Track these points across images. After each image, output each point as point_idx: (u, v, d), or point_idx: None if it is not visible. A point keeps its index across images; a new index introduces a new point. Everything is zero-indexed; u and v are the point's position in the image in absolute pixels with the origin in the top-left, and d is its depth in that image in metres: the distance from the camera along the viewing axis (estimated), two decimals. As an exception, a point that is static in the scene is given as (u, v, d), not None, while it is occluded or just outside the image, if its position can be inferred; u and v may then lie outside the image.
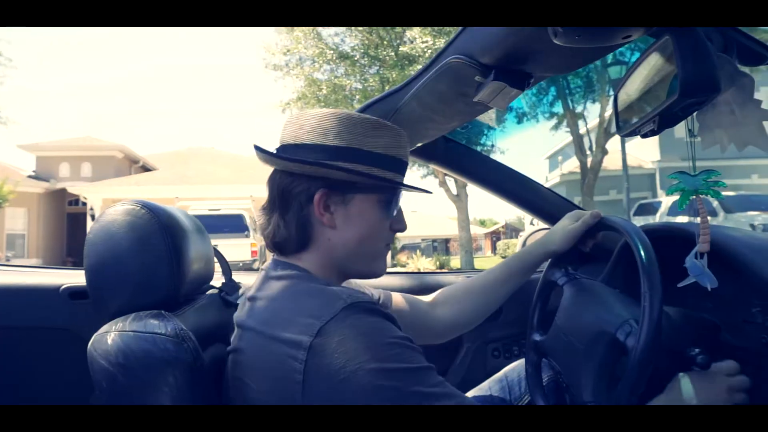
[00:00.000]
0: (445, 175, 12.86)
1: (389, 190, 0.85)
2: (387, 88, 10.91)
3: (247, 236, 10.86)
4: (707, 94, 0.56)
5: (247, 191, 13.03)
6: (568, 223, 1.13)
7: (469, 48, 0.77)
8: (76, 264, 18.22)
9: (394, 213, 0.88)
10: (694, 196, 0.70)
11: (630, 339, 0.85)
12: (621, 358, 0.88)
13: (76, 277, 1.26)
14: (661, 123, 0.64)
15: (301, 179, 0.81)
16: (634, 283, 0.87)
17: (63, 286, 1.21)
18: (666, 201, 13.29)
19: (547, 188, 1.40)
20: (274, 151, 0.83)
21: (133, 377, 0.70)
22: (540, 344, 1.12)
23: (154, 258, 0.83)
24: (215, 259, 1.16)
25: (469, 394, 1.22)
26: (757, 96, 0.60)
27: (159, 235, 0.84)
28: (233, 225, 10.51)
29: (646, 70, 0.66)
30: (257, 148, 0.83)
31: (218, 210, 11.13)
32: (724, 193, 11.54)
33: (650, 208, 13.63)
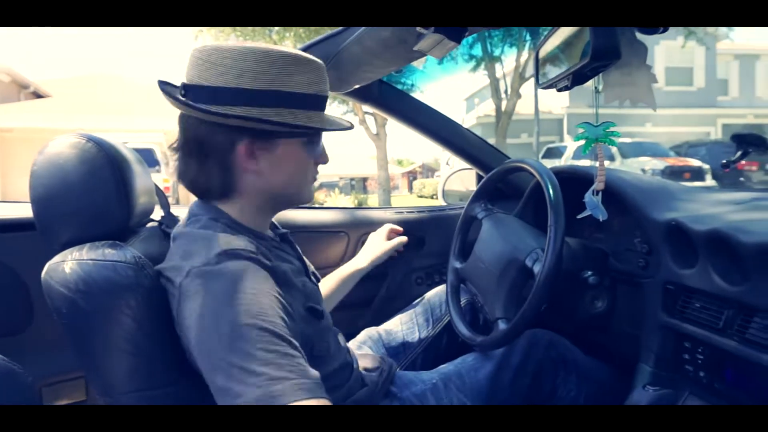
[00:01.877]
0: (365, 113, 12.82)
1: (314, 131, 0.85)
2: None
3: (158, 171, 10.37)
4: (611, 59, 0.68)
5: (158, 124, 12.31)
6: (374, 245, 1.40)
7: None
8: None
9: (318, 151, 0.89)
10: (595, 143, 0.83)
11: (536, 265, 1.00)
12: (528, 281, 1.04)
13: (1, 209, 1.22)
14: (573, 80, 0.75)
15: (222, 129, 0.78)
16: (542, 217, 1.01)
17: None
18: (571, 146, 14.19)
19: (471, 132, 1.52)
20: (180, 87, 0.79)
21: (95, 303, 0.74)
22: (459, 271, 1.26)
23: (104, 190, 0.85)
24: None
25: (395, 318, 1.35)
26: (649, 60, 0.73)
27: (108, 169, 0.86)
28: (143, 159, 10.00)
29: (564, 34, 0.77)
30: (166, 92, 0.80)
31: (126, 143, 10.47)
32: (621, 141, 12.47)
33: (557, 152, 14.52)
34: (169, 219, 1.23)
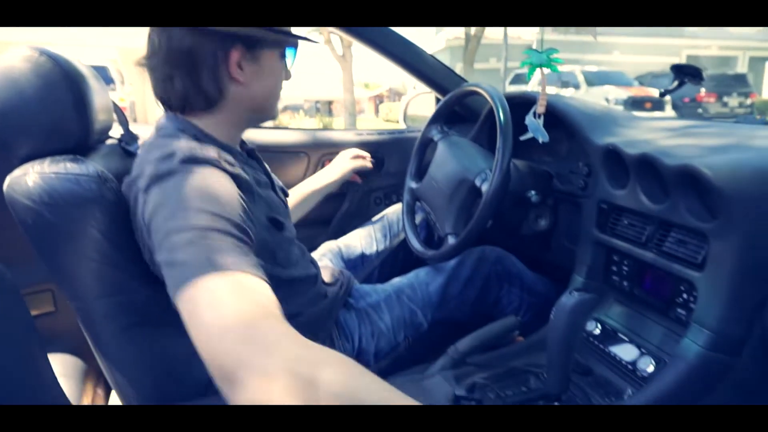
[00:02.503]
0: (330, 32, 12.36)
1: (290, 42, 0.89)
2: None
3: (113, 89, 9.90)
4: None
5: (111, 40, 11.59)
6: (336, 165, 1.46)
7: None
8: None
9: (291, 62, 0.92)
10: (539, 69, 0.88)
11: (484, 184, 1.06)
12: (477, 199, 1.11)
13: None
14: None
15: (214, 37, 0.79)
16: (495, 140, 1.06)
17: None
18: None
19: (430, 56, 1.53)
20: None
21: (60, 214, 0.77)
22: (415, 190, 1.33)
23: (62, 105, 0.85)
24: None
25: (354, 232, 1.42)
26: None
27: (64, 83, 0.85)
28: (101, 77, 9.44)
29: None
30: None
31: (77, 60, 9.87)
32: (588, 69, 12.51)
33: (524, 78, 14.48)
34: (129, 136, 1.23)
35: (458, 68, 14.71)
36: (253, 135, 1.55)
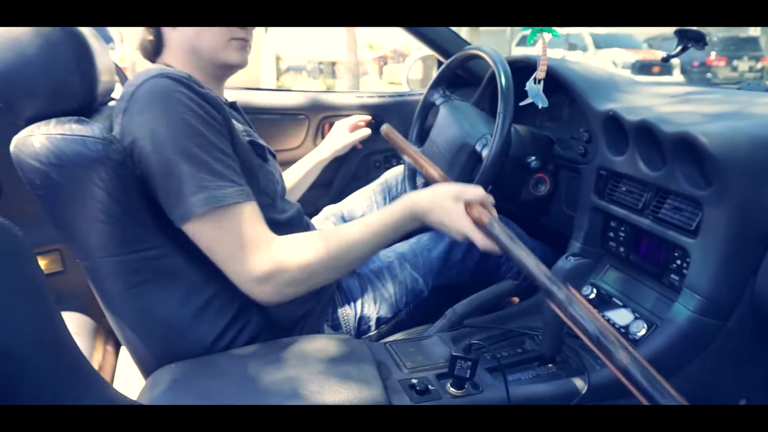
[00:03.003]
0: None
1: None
2: None
3: (113, 49, 9.75)
4: None
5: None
6: (337, 136, 1.48)
7: None
8: None
9: None
10: (540, 33, 0.87)
11: (485, 149, 1.07)
12: (477, 164, 1.12)
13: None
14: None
15: None
16: (497, 104, 1.06)
17: None
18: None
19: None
20: None
21: (68, 175, 0.78)
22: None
23: (64, 65, 0.85)
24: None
25: (354, 195, 1.44)
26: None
27: (65, 43, 0.85)
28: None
29: None
30: None
31: None
32: (595, 31, 12.24)
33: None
34: (131, 97, 1.23)
35: (463, 31, 14.40)
36: (252, 96, 1.55)
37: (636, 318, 0.93)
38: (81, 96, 0.89)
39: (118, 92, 1.19)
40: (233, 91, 1.52)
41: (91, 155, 0.79)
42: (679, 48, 1.10)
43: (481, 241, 0.84)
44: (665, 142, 0.85)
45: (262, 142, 1.04)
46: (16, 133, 0.83)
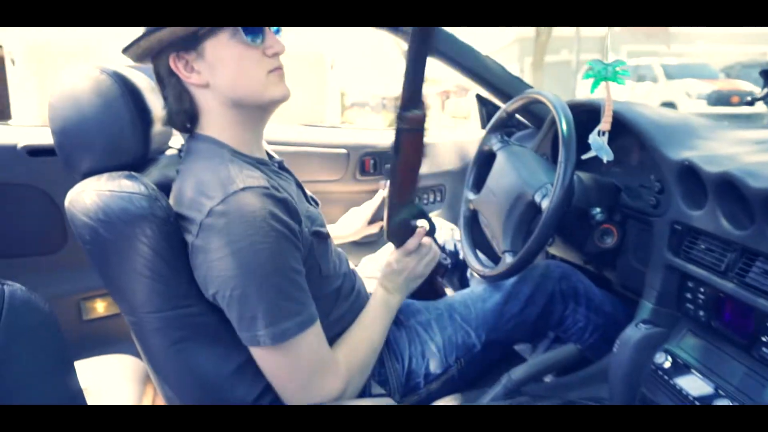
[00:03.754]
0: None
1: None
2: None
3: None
4: None
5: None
6: (355, 224, 1.36)
7: None
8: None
9: (260, 40, 0.84)
10: (604, 82, 0.80)
11: (545, 200, 1.00)
12: (537, 215, 1.04)
13: (30, 135, 1.27)
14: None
15: (156, 57, 0.84)
16: (558, 150, 1.00)
17: (20, 145, 1.23)
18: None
19: (490, 59, 1.47)
20: None
21: (114, 231, 0.79)
22: (473, 201, 1.28)
23: (120, 122, 0.88)
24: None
25: None
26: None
27: (122, 99, 0.88)
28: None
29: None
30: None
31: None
32: (666, 62, 11.78)
33: (597, 72, 13.87)
34: (189, 146, 1.25)
35: (528, 61, 14.26)
36: (289, 133, 1.58)
37: (719, 395, 0.81)
38: (135, 150, 0.91)
39: (176, 140, 1.22)
40: (274, 127, 1.53)
41: (137, 212, 0.79)
42: (766, 91, 1.00)
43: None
44: (753, 199, 0.76)
45: (309, 194, 1.02)
46: (72, 186, 0.86)
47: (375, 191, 1.47)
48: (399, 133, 0.96)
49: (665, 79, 11.09)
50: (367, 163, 1.64)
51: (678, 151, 0.96)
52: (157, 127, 0.99)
